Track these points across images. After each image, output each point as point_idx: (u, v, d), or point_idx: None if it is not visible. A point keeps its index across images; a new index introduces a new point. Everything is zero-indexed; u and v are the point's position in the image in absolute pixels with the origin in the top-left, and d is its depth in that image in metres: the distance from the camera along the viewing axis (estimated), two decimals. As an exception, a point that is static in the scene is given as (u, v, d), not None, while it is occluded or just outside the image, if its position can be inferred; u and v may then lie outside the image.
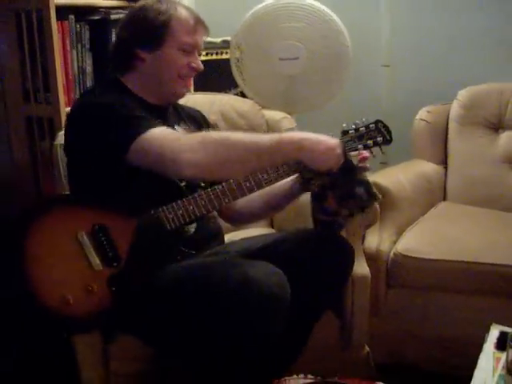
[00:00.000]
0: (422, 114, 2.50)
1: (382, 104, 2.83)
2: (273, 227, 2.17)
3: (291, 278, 1.39)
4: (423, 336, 2.00)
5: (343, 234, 1.79)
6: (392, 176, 2.21)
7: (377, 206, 1.81)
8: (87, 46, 2.07)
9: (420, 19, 2.76)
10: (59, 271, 1.41)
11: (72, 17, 2.00)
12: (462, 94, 2.49)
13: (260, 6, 2.37)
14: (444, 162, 2.49)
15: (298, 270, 1.48)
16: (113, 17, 2.11)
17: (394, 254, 1.99)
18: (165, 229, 1.45)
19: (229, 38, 2.44)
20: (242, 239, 1.74)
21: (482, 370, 1.36)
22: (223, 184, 1.46)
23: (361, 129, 1.55)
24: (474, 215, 2.24)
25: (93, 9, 2.10)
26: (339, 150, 1.45)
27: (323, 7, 2.35)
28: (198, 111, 1.82)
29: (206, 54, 2.47)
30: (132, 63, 1.57)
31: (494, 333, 1.48)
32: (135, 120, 1.43)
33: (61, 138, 1.70)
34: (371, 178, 2.02)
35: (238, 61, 2.40)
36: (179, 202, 1.45)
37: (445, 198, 2.45)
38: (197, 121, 1.76)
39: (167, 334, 1.50)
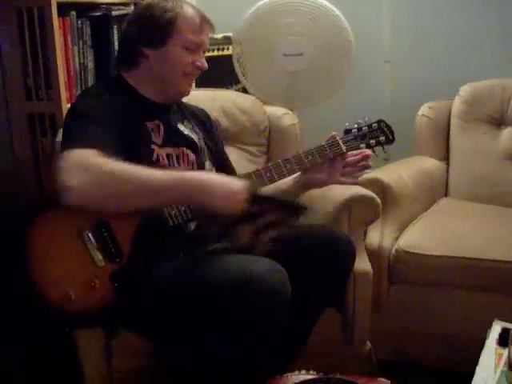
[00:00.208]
0: (424, 110, 2.49)
1: (384, 101, 2.83)
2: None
3: (293, 274, 1.38)
4: (425, 332, 2.00)
5: (344, 230, 1.79)
6: (394, 172, 2.20)
7: (378, 201, 1.81)
8: (89, 43, 2.06)
9: (422, 15, 2.76)
10: (62, 267, 1.41)
11: (73, 13, 1.99)
12: (464, 90, 2.48)
13: (263, 1, 2.36)
14: (446, 158, 2.48)
15: (300, 266, 1.48)
16: (114, 13, 2.10)
17: (396, 250, 1.98)
18: (167, 225, 1.45)
19: (230, 34, 2.44)
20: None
21: (483, 367, 1.36)
22: None
23: (363, 128, 1.55)
24: (476, 211, 2.24)
25: (94, 5, 2.10)
26: (242, 196, 1.34)
27: (326, 2, 2.35)
28: (202, 110, 1.82)
29: (207, 50, 2.46)
30: (136, 60, 1.57)
31: (496, 329, 1.48)
32: (80, 133, 1.39)
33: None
34: (373, 174, 2.05)
35: (240, 57, 2.40)
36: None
37: (447, 194, 2.45)
38: (200, 119, 1.76)
39: (169, 331, 1.50)
